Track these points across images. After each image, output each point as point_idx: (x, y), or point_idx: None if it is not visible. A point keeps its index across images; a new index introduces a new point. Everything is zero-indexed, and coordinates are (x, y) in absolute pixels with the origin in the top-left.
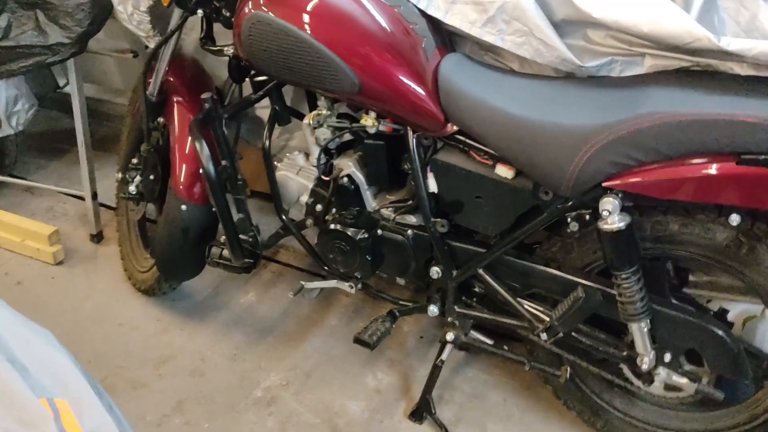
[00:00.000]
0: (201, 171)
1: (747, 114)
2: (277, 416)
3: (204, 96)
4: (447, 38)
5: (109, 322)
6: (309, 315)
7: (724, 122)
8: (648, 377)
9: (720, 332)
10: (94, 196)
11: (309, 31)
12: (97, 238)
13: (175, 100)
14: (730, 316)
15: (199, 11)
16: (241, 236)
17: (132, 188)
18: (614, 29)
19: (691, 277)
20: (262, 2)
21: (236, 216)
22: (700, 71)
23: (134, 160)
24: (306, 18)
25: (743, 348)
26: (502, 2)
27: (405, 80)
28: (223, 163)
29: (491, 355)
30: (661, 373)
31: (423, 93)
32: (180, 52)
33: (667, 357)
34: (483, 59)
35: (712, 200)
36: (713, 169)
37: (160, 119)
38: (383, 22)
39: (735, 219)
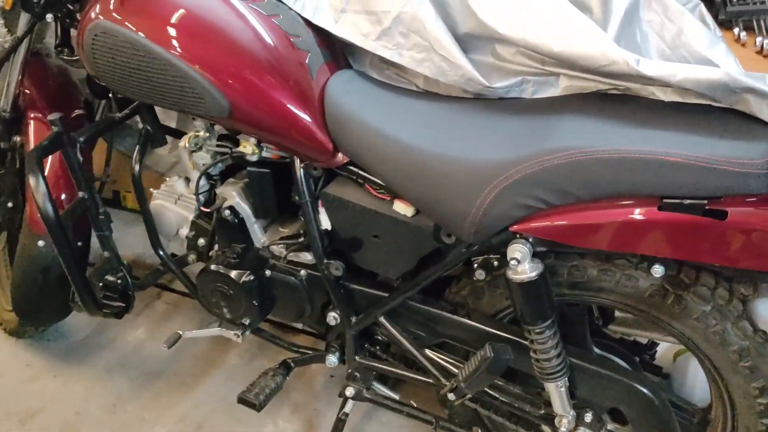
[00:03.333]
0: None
1: (671, 152)
2: None
3: (51, 117)
4: (340, 52)
5: None
6: (206, 353)
7: (645, 160)
8: None
9: (645, 390)
10: None
11: (165, 45)
12: None
13: (31, 116)
14: (660, 349)
15: (49, 15)
16: (108, 278)
17: None
18: (523, 47)
19: (617, 313)
20: (111, 7)
21: (101, 255)
22: (620, 95)
23: None
24: (161, 29)
25: (670, 404)
26: (398, 12)
27: (283, 102)
28: (80, 194)
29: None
30: None
31: (306, 117)
32: (45, 60)
33: (588, 417)
34: (384, 74)
35: (633, 250)
36: (632, 215)
37: (16, 138)
38: (258, 34)
39: (658, 271)
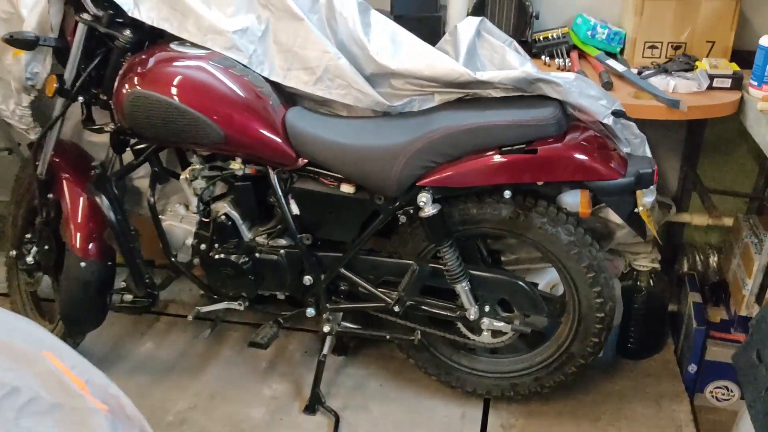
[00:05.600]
0: (106, 219)
1: (500, 120)
2: None
3: (94, 164)
4: (289, 96)
5: None
6: (205, 351)
7: (486, 126)
8: (477, 327)
9: (519, 282)
10: None
11: (179, 99)
12: None
13: (63, 176)
14: (541, 286)
15: (80, 98)
16: None
17: (29, 259)
18: (408, 76)
19: (503, 258)
20: (137, 81)
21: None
22: (470, 99)
23: (28, 235)
24: (176, 89)
25: (538, 293)
26: (325, 65)
27: (259, 128)
28: (116, 218)
29: (363, 344)
30: (485, 321)
31: (275, 137)
32: (60, 137)
33: (487, 308)
34: (319, 111)
35: (490, 182)
36: (486, 160)
37: (50, 195)
38: (237, 88)
39: (507, 194)
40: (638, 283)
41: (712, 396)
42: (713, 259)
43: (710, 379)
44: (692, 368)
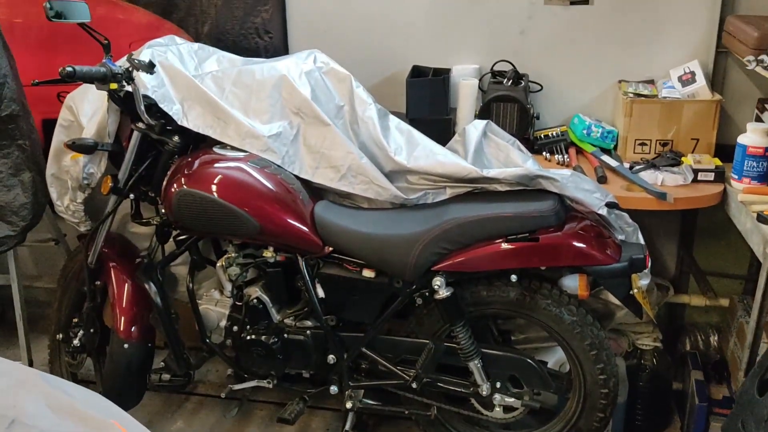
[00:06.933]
0: (154, 303)
1: (506, 211)
2: None
3: (142, 253)
4: (316, 191)
5: None
6: (233, 428)
7: (493, 217)
8: (489, 403)
9: (528, 359)
10: (30, 363)
11: (221, 196)
12: None
13: (111, 265)
14: (550, 364)
15: (131, 195)
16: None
17: (76, 341)
18: (422, 173)
19: (512, 338)
20: (184, 181)
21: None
22: (479, 192)
23: (75, 319)
24: (218, 188)
25: (546, 370)
26: (349, 164)
27: (291, 221)
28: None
29: (381, 422)
30: (497, 396)
31: (305, 228)
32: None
33: (498, 384)
34: (342, 203)
35: (498, 267)
36: (494, 247)
37: (97, 282)
38: (271, 185)
39: (513, 277)
40: (642, 361)
41: None
42: (713, 339)
43: None
44: None
